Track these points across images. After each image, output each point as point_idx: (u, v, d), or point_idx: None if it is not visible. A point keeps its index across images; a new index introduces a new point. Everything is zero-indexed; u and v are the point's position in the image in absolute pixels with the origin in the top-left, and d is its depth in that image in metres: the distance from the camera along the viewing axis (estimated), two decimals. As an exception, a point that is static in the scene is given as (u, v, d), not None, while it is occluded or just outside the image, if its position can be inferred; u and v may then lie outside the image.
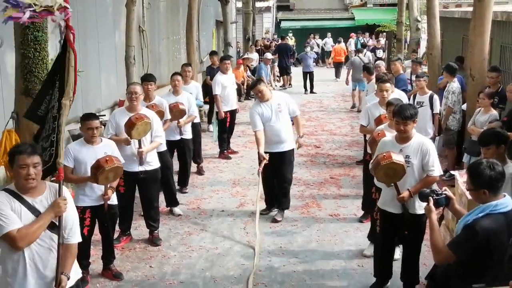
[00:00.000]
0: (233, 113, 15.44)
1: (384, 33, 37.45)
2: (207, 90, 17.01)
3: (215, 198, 11.87)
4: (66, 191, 5.36)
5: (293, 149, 10.80)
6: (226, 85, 14.88)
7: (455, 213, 5.90)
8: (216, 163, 14.65)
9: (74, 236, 5.35)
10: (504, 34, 13.97)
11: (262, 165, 10.25)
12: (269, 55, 24.32)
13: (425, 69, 18.42)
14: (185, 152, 11.97)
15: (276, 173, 10.69)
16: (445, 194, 5.83)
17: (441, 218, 6.30)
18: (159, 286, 8.13)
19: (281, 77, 29.32)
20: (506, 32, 13.84)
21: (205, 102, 17.78)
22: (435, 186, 7.21)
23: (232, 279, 8.32)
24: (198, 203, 11.55)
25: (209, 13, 26.95)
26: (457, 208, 5.88)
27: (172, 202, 10.92)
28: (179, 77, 12.35)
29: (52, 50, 9.85)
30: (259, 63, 28.38)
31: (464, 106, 12.64)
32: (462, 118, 12.56)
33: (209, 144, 16.53)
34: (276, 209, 10.94)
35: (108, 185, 8.00)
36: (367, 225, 10.21)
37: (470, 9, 12.94)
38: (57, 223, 5.18)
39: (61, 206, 5.14)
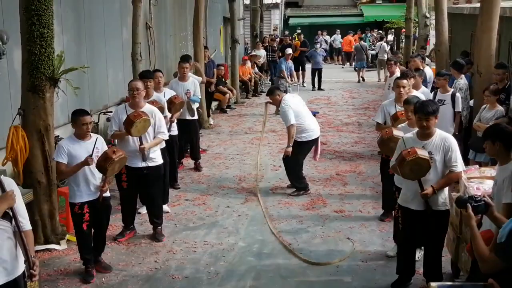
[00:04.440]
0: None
1: (393, 30, 37.51)
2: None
3: (221, 194, 11.91)
4: (12, 183, 5.51)
5: (297, 143, 11.66)
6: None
7: (495, 220, 5.63)
8: (222, 159, 14.71)
9: (28, 223, 5.54)
10: (513, 30, 13.90)
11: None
12: (289, 50, 24.59)
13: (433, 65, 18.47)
14: (173, 148, 11.96)
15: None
16: (484, 200, 5.50)
17: (478, 226, 6.08)
18: (164, 281, 8.18)
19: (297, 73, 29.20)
20: (514, 28, 13.77)
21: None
22: (473, 191, 7.19)
23: (236, 275, 8.35)
24: (203, 199, 11.60)
25: (216, 10, 26.93)
26: (497, 216, 5.62)
27: (164, 199, 10.85)
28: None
29: (59, 46, 9.92)
30: (269, 60, 28.57)
31: (471, 103, 12.60)
32: (469, 115, 12.50)
33: (216, 141, 16.66)
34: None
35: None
36: (372, 222, 10.29)
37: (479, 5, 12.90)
38: (11, 214, 5.32)
39: (13, 198, 5.28)
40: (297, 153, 11.75)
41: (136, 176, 9.37)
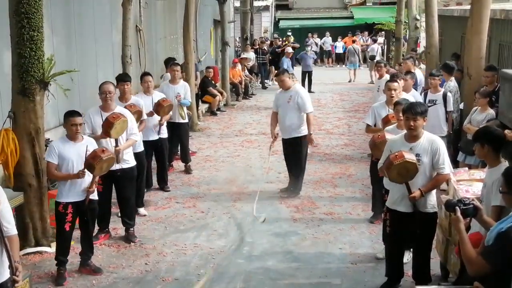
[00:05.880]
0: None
1: (383, 32, 37.61)
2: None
3: (211, 197, 11.92)
4: None
5: (297, 138, 11.80)
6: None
7: (483, 224, 5.67)
8: (212, 162, 14.72)
9: (13, 228, 5.43)
10: (503, 32, 13.86)
11: (272, 141, 12.22)
12: (290, 49, 26.46)
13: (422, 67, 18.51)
14: (163, 151, 12.07)
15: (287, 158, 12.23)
16: (472, 204, 5.52)
17: (467, 229, 6.07)
18: (154, 283, 8.20)
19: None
20: (504, 30, 13.71)
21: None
22: (462, 194, 7.23)
23: (226, 277, 8.37)
24: (194, 201, 11.61)
25: (206, 12, 26.91)
26: (486, 219, 5.65)
27: (139, 203, 10.81)
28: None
29: (49, 49, 9.93)
30: (259, 62, 28.79)
31: (461, 106, 12.63)
32: (459, 117, 12.54)
33: (206, 143, 16.67)
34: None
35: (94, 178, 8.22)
36: (362, 224, 10.31)
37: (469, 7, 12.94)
38: None
39: None
40: (305, 146, 11.98)
41: (111, 179, 9.40)
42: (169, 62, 14.71)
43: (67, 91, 9.45)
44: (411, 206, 7.37)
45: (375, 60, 29.45)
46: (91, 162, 7.92)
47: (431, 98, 11.91)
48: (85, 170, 8.00)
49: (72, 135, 8.12)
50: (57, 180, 8.57)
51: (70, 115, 8.09)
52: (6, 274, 5.32)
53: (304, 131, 11.78)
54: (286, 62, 24.87)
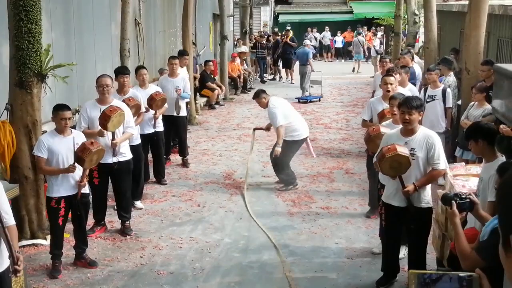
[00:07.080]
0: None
1: (382, 27, 37.59)
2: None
3: (208, 190, 11.94)
4: None
5: (286, 142, 11.76)
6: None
7: (479, 218, 5.66)
8: (210, 155, 14.73)
9: (11, 218, 5.47)
10: (501, 28, 13.90)
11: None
12: (307, 41, 27.55)
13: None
14: (159, 144, 12.08)
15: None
16: (469, 198, 5.50)
17: (463, 224, 6.03)
18: (149, 277, 8.19)
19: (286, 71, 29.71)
20: (503, 25, 13.75)
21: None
22: (458, 189, 7.23)
23: (222, 271, 8.37)
24: (190, 195, 11.63)
25: (206, 6, 26.90)
26: (482, 214, 5.63)
27: (136, 195, 10.81)
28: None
29: (47, 42, 9.90)
30: (258, 57, 28.90)
31: (459, 102, 12.63)
32: (457, 113, 12.54)
33: (204, 137, 16.70)
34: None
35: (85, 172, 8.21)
36: (359, 219, 10.32)
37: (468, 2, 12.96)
38: None
39: None
40: (286, 152, 11.82)
41: (107, 172, 9.45)
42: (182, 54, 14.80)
43: (66, 80, 9.43)
44: (404, 200, 7.36)
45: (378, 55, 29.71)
46: (80, 155, 7.91)
47: (431, 94, 11.90)
48: (75, 164, 7.97)
49: (61, 129, 8.10)
50: (47, 175, 8.55)
51: (60, 109, 8.06)
52: (5, 264, 5.33)
53: (292, 137, 11.91)
54: (310, 54, 25.79)
